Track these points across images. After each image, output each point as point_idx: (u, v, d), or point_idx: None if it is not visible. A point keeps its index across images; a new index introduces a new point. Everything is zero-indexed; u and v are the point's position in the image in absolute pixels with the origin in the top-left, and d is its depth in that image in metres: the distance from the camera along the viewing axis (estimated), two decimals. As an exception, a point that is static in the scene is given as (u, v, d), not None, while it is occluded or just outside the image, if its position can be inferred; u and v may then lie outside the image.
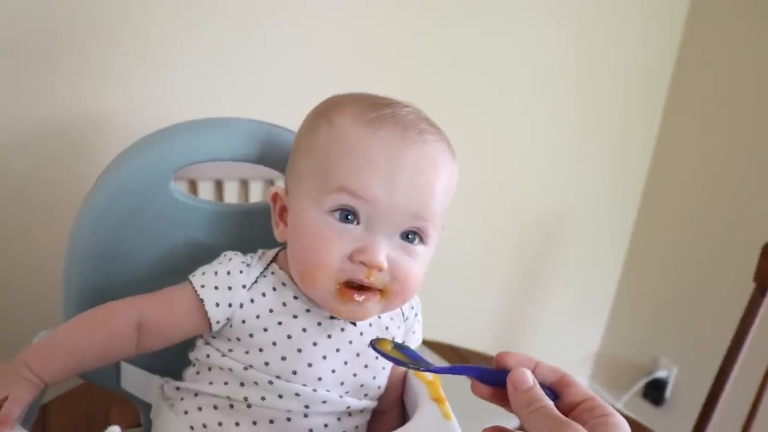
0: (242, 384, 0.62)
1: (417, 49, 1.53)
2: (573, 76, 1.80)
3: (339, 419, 0.65)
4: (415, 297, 0.71)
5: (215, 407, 0.63)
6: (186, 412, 0.64)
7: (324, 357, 0.63)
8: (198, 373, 0.66)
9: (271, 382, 0.61)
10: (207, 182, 1.29)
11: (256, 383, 0.62)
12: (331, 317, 0.64)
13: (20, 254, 1.20)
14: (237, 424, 0.62)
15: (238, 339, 0.63)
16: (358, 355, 0.66)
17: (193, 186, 1.26)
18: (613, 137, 1.97)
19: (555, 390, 0.54)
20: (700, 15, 1.90)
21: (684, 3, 1.91)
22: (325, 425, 0.64)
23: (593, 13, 1.74)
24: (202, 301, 0.63)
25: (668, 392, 2.08)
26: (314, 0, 1.36)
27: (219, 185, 1.30)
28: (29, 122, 1.15)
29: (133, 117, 1.21)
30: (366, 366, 0.66)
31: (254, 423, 0.62)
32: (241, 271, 0.64)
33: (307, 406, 0.63)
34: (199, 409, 0.63)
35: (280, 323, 0.63)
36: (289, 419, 0.62)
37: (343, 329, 0.65)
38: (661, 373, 2.08)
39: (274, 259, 0.67)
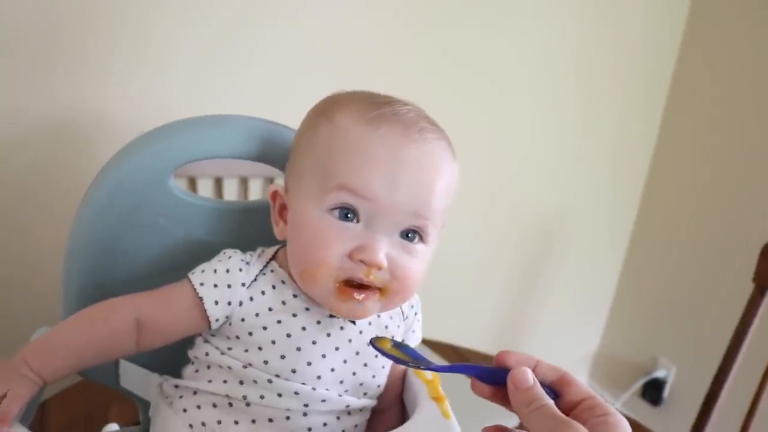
0: (241, 382, 0.62)
1: (417, 49, 1.53)
2: (573, 76, 1.80)
3: (338, 418, 0.65)
4: (414, 296, 0.71)
5: (214, 405, 0.62)
6: (185, 410, 0.64)
7: (323, 356, 0.63)
8: (197, 371, 0.65)
9: (270, 381, 0.61)
10: (206, 179, 1.29)
11: (255, 382, 0.61)
12: (331, 316, 0.64)
13: (20, 252, 1.21)
14: (236, 422, 0.62)
15: (237, 337, 0.63)
16: (357, 353, 0.65)
17: (192, 183, 1.27)
18: (613, 137, 1.97)
19: (555, 389, 0.54)
20: (701, 15, 1.90)
21: (685, 3, 1.91)
22: (324, 424, 0.64)
23: (594, 13, 1.74)
24: (201, 299, 0.62)
25: (666, 392, 2.08)
26: (314, 0, 1.36)
27: (218, 183, 1.30)
28: (30, 120, 1.15)
29: (133, 115, 1.21)
30: (365, 365, 0.66)
31: (253, 421, 0.62)
32: (240, 269, 0.64)
33: (306, 405, 0.62)
34: (198, 407, 0.63)
35: (279, 321, 0.63)
36: (288, 418, 0.62)
37: (342, 328, 0.65)
38: (659, 373, 2.08)
39: (273, 257, 0.67)
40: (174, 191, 0.71)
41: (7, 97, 1.12)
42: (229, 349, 0.63)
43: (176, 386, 0.66)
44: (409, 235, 0.61)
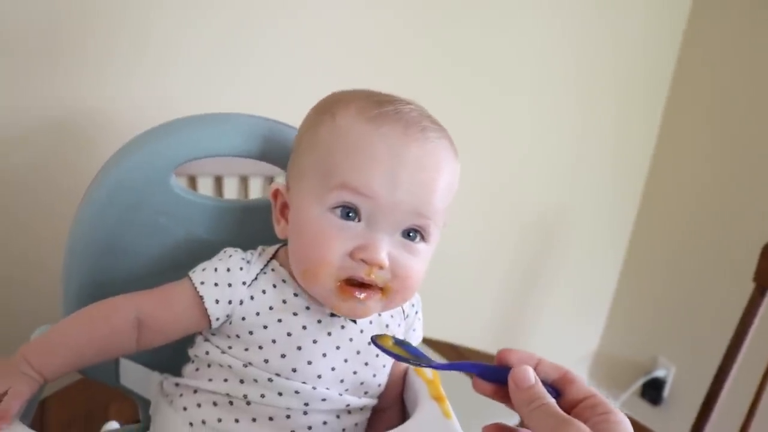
0: (242, 381, 0.62)
1: (417, 49, 1.53)
2: (573, 76, 1.80)
3: (338, 417, 0.65)
4: (415, 294, 0.71)
5: (215, 404, 0.62)
6: (185, 409, 0.63)
7: (324, 355, 0.63)
8: (197, 369, 0.65)
9: (270, 380, 0.61)
10: (206, 178, 1.29)
11: (255, 380, 0.61)
12: (332, 315, 0.64)
13: (20, 250, 1.20)
14: (236, 420, 0.62)
15: (238, 336, 0.63)
16: (358, 352, 0.65)
17: (192, 182, 1.26)
18: (613, 137, 1.97)
19: (557, 387, 0.54)
20: (702, 15, 1.90)
21: (685, 3, 1.91)
22: (324, 423, 0.64)
23: (594, 13, 1.74)
24: (201, 298, 0.62)
25: (666, 391, 2.08)
26: (314, 0, 1.36)
27: (218, 181, 1.30)
28: (30, 118, 1.15)
29: (133, 114, 1.21)
30: (366, 364, 0.66)
31: (253, 420, 0.62)
32: (241, 268, 0.64)
33: (306, 404, 0.62)
34: (199, 405, 0.63)
35: (280, 320, 0.63)
36: (288, 416, 0.62)
37: (343, 327, 0.65)
38: (659, 373, 2.08)
39: (274, 256, 0.67)
40: (175, 189, 0.71)
41: (7, 96, 1.12)
42: (230, 347, 0.63)
43: (176, 384, 0.66)
44: (411, 234, 0.61)
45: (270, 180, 1.35)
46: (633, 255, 2.19)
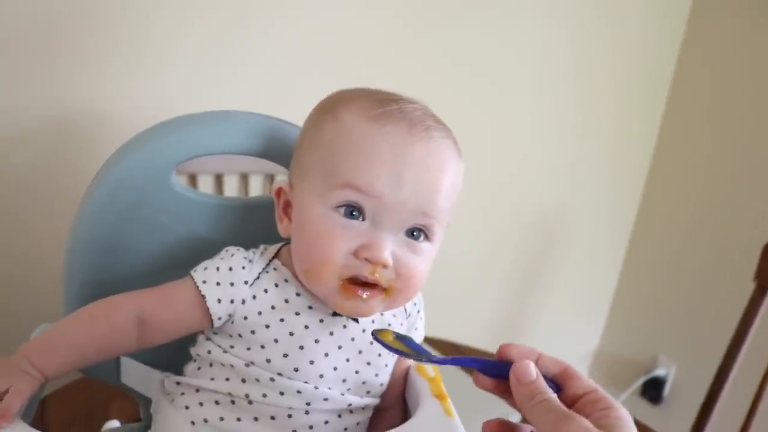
0: (244, 381, 0.62)
1: (417, 49, 1.53)
2: (573, 76, 1.80)
3: (340, 416, 0.65)
4: (417, 294, 0.71)
5: (216, 403, 0.62)
6: (187, 407, 0.63)
7: (326, 354, 0.63)
8: (199, 368, 0.65)
9: (272, 380, 0.61)
10: (207, 176, 1.29)
11: (257, 380, 0.61)
12: (334, 314, 0.64)
13: (20, 249, 1.20)
14: (238, 419, 0.62)
15: (240, 335, 0.63)
16: (360, 352, 0.65)
17: (192, 180, 1.26)
18: (613, 137, 1.97)
19: (558, 382, 0.54)
20: (702, 15, 1.90)
21: (685, 3, 1.91)
22: (326, 422, 0.64)
23: (594, 13, 1.74)
24: (203, 297, 0.62)
25: (667, 391, 2.09)
26: (313, 0, 1.36)
27: (219, 179, 1.30)
28: (30, 118, 1.15)
29: (133, 113, 1.20)
30: (368, 363, 0.66)
31: (255, 419, 0.62)
32: (243, 267, 0.64)
33: (308, 404, 0.62)
34: (201, 404, 0.63)
35: (282, 320, 0.62)
36: (290, 416, 0.62)
37: (345, 326, 0.65)
38: (659, 372, 2.08)
39: (276, 255, 0.67)
40: (175, 188, 0.71)
41: (7, 95, 1.12)
42: (232, 347, 0.63)
43: (178, 383, 0.66)
44: (415, 233, 0.61)
45: (271, 178, 1.35)
46: (633, 254, 2.19)
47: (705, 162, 1.95)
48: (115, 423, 0.91)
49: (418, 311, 0.73)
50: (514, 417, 0.58)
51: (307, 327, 0.63)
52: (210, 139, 0.70)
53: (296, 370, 0.62)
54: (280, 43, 1.34)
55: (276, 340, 0.62)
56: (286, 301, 0.63)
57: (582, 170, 1.96)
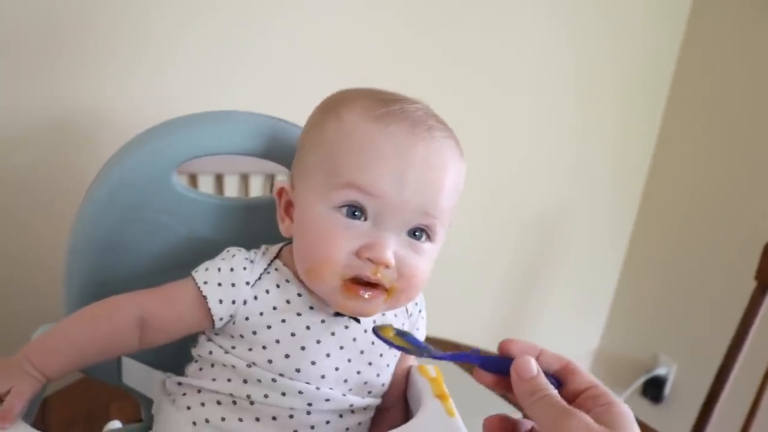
0: (245, 381, 0.62)
1: (417, 49, 1.53)
2: (573, 76, 1.80)
3: (341, 416, 0.65)
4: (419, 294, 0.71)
5: (218, 403, 0.62)
6: (188, 408, 0.63)
7: (327, 355, 0.63)
8: (201, 369, 0.65)
9: (274, 380, 0.61)
10: (207, 176, 1.29)
11: (259, 381, 0.61)
12: (335, 314, 0.64)
13: (20, 249, 1.20)
14: (240, 420, 0.62)
15: (242, 336, 0.63)
16: (362, 352, 0.65)
17: (193, 180, 1.26)
18: (614, 137, 1.97)
19: (559, 377, 0.54)
20: (702, 15, 1.90)
21: (685, 3, 1.91)
22: (327, 422, 0.64)
23: (594, 13, 1.74)
24: (205, 297, 0.62)
25: (667, 390, 2.08)
26: (313, 0, 1.36)
27: (219, 179, 1.30)
28: (30, 118, 1.15)
29: (133, 113, 1.20)
30: (370, 363, 0.66)
31: (257, 419, 0.62)
32: (244, 268, 0.64)
33: (310, 404, 0.62)
34: (202, 404, 0.63)
35: (283, 321, 0.62)
36: (291, 416, 0.62)
37: (347, 327, 0.65)
38: (660, 371, 2.08)
39: (277, 255, 0.67)
40: (176, 188, 0.70)
41: (7, 96, 1.12)
42: (233, 348, 0.63)
43: (179, 384, 0.66)
44: (417, 233, 0.61)
45: (271, 178, 1.35)
46: (633, 253, 2.19)
47: (705, 161, 1.95)
48: (116, 423, 0.91)
49: (420, 311, 0.73)
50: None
51: (308, 327, 0.63)
52: (211, 140, 0.70)
53: (298, 370, 0.62)
54: (280, 43, 1.34)
55: (277, 341, 0.62)
56: (288, 301, 0.63)
57: (582, 170, 1.96)
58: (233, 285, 0.63)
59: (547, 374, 0.52)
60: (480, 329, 1.96)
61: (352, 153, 0.59)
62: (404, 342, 0.59)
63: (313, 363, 0.62)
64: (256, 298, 0.63)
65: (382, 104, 0.60)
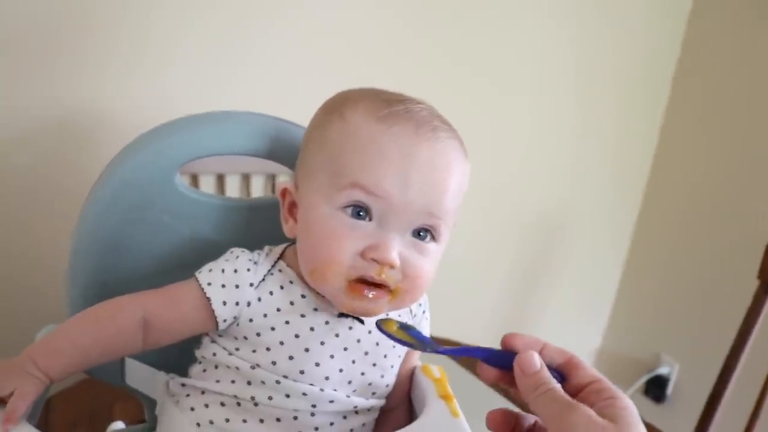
0: (249, 383, 0.62)
1: (417, 49, 1.53)
2: (573, 75, 1.80)
3: (345, 417, 0.65)
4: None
5: (222, 404, 0.62)
6: (192, 409, 0.63)
7: (331, 356, 0.63)
8: (204, 370, 0.65)
9: (278, 382, 0.61)
10: (209, 176, 1.29)
11: (263, 382, 0.61)
12: (339, 315, 0.64)
13: (20, 249, 1.20)
14: (244, 421, 0.62)
15: (245, 338, 0.62)
16: (366, 353, 0.65)
17: (195, 180, 1.26)
18: (614, 136, 1.96)
19: (562, 372, 0.54)
20: (703, 15, 1.90)
21: (686, 3, 1.91)
22: (331, 423, 0.64)
23: (594, 12, 1.74)
24: (208, 299, 0.62)
25: (670, 389, 2.08)
26: (313, 0, 1.36)
27: (221, 179, 1.30)
28: (30, 118, 1.15)
29: (133, 113, 1.20)
30: (374, 365, 0.66)
31: (261, 421, 0.62)
32: (248, 269, 0.64)
33: (314, 406, 0.62)
34: (206, 406, 0.63)
35: (287, 322, 0.62)
36: (295, 418, 0.62)
37: (351, 328, 0.64)
38: (662, 370, 2.08)
39: (281, 257, 0.67)
40: (179, 188, 0.70)
41: (7, 96, 1.12)
42: (237, 349, 0.63)
43: (183, 385, 0.66)
44: (421, 234, 0.61)
45: (273, 178, 1.35)
46: (635, 253, 2.19)
47: (707, 161, 1.95)
48: (119, 424, 0.91)
49: (424, 312, 0.73)
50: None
51: (312, 329, 0.62)
52: (214, 140, 0.70)
53: (302, 372, 0.61)
54: (280, 43, 1.34)
55: (281, 343, 0.62)
56: (292, 303, 0.63)
57: (583, 170, 1.96)
58: (237, 286, 0.63)
59: (550, 368, 0.52)
60: (481, 329, 1.96)
61: (356, 153, 0.59)
62: (408, 336, 0.59)
63: (317, 364, 0.62)
64: (259, 299, 0.63)
65: (387, 105, 0.60)
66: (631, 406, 0.48)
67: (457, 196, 0.62)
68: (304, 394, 0.61)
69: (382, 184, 0.57)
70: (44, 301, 1.06)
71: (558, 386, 0.50)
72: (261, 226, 0.73)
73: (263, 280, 0.64)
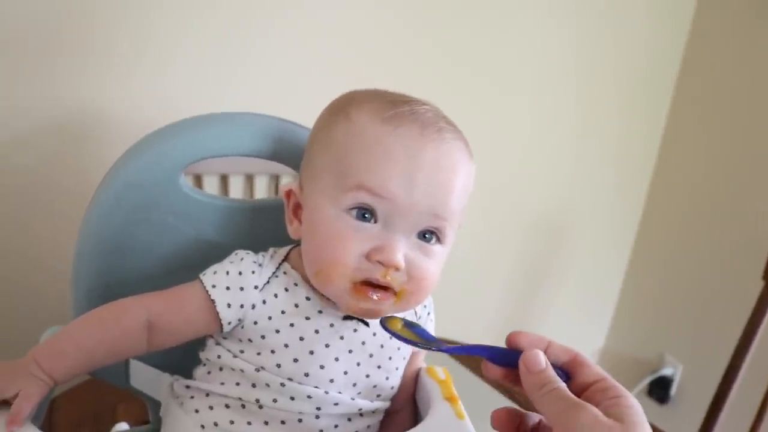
0: (254, 385, 0.62)
1: (417, 49, 1.53)
2: (574, 75, 1.79)
3: (350, 420, 0.65)
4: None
5: (227, 406, 0.62)
6: (197, 411, 0.63)
7: (336, 359, 0.63)
8: (209, 373, 0.65)
9: (283, 384, 0.61)
10: (212, 177, 1.28)
11: (267, 385, 0.61)
12: (344, 317, 0.63)
13: (20, 249, 1.19)
14: (249, 423, 0.61)
15: (250, 340, 0.62)
16: (371, 356, 0.65)
17: (198, 180, 1.26)
18: (617, 136, 1.96)
19: (567, 370, 0.53)
20: (706, 15, 1.89)
21: (689, 2, 1.90)
22: (336, 426, 0.64)
23: (596, 12, 1.74)
24: (213, 301, 0.62)
25: (674, 390, 2.08)
26: (313, 0, 1.35)
27: (224, 180, 1.30)
28: (30, 119, 1.14)
29: (134, 114, 1.20)
30: (379, 367, 0.66)
31: (266, 423, 0.62)
32: (253, 272, 0.63)
33: (318, 408, 0.62)
34: (211, 408, 0.63)
35: (292, 325, 0.62)
36: (300, 420, 0.62)
37: (355, 330, 0.64)
38: (666, 371, 2.08)
39: (285, 258, 0.66)
40: (184, 189, 0.70)
41: (7, 96, 1.11)
42: (242, 352, 0.63)
43: (187, 387, 0.66)
44: (426, 235, 0.61)
45: (276, 178, 1.34)
46: (638, 253, 2.18)
47: (710, 160, 1.94)
48: (123, 426, 0.91)
49: (429, 313, 0.72)
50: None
51: (317, 331, 0.62)
52: (218, 141, 0.69)
53: (306, 375, 0.61)
54: (280, 43, 1.33)
55: (286, 345, 0.61)
56: (296, 305, 0.63)
57: (584, 170, 1.95)
58: (242, 289, 0.62)
59: (555, 367, 0.52)
60: (483, 330, 1.96)
61: (361, 154, 0.58)
62: (412, 334, 0.58)
63: (322, 367, 0.62)
64: (264, 302, 0.63)
65: (392, 106, 0.59)
66: (636, 405, 0.48)
67: (462, 197, 0.62)
68: (309, 396, 0.61)
69: (387, 186, 0.57)
70: (44, 301, 1.06)
71: (563, 385, 0.50)
72: (265, 228, 0.73)
73: (268, 282, 0.64)
